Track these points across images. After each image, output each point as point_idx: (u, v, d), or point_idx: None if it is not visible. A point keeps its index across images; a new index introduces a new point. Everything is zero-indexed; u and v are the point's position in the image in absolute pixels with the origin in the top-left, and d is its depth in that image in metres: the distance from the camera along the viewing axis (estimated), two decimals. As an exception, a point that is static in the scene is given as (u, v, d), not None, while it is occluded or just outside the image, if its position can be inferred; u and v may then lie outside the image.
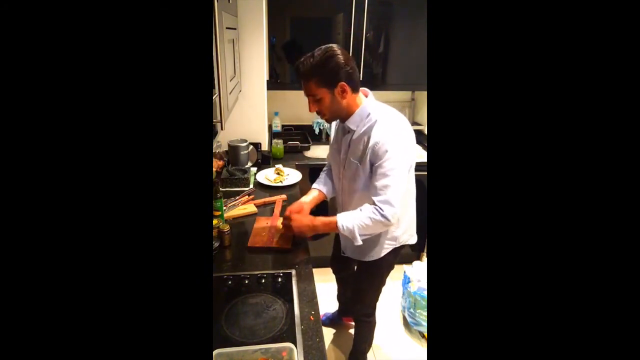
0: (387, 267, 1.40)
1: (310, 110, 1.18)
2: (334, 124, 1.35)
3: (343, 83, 1.11)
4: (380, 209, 1.10)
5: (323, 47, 1.11)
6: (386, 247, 1.32)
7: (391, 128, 1.12)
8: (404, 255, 2.39)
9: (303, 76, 1.12)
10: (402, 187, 1.13)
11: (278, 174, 1.90)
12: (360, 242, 1.15)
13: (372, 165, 1.14)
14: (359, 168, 1.18)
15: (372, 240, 1.29)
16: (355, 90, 1.15)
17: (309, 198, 1.37)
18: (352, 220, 1.14)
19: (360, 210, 1.14)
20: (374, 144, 1.11)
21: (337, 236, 1.58)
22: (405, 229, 1.33)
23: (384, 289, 1.54)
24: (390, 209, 1.10)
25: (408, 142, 1.15)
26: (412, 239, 1.38)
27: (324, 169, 1.50)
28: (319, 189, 1.40)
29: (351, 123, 1.18)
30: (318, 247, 2.05)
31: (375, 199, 1.11)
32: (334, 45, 1.12)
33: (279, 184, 1.83)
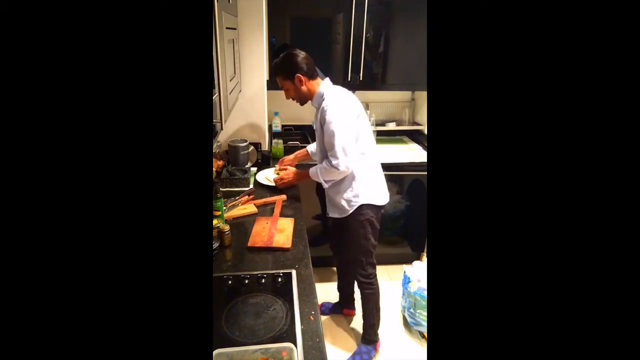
0: (362, 222, 1.61)
1: (286, 98, 1.61)
2: None
3: (299, 75, 1.50)
4: (329, 161, 1.50)
5: (287, 52, 1.50)
6: (348, 207, 1.60)
7: (334, 102, 1.47)
8: (404, 255, 2.42)
9: (273, 74, 1.58)
10: (347, 145, 1.46)
11: (278, 174, 1.89)
12: (326, 185, 1.59)
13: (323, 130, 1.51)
14: (318, 135, 1.57)
15: (334, 201, 1.64)
16: (311, 77, 1.53)
17: (295, 154, 1.95)
18: (316, 169, 1.60)
19: (321, 163, 1.57)
20: (321, 113, 1.49)
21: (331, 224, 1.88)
22: (361, 191, 1.57)
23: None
24: (336, 161, 1.48)
25: (350, 113, 1.50)
26: (380, 199, 1.62)
27: None
28: (307, 148, 1.92)
29: (314, 102, 1.57)
30: (318, 247, 2.05)
31: (328, 154, 1.52)
32: (290, 50, 1.51)
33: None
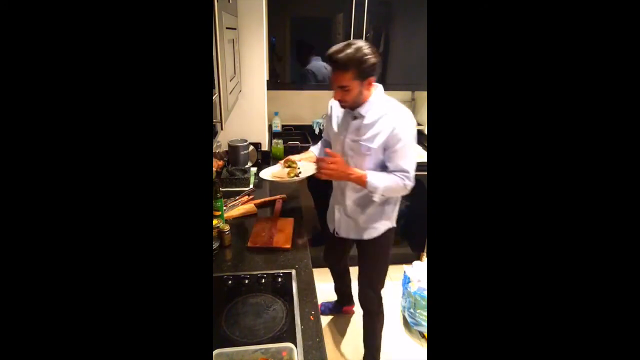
0: (386, 245, 1.51)
1: (335, 98, 1.28)
2: (331, 108, 1.48)
3: (372, 78, 1.24)
4: (403, 179, 1.29)
5: (359, 43, 1.19)
6: (382, 227, 1.46)
7: (405, 117, 1.28)
8: (404, 255, 2.42)
9: (341, 67, 1.18)
10: (415, 166, 1.31)
11: (289, 166, 1.51)
12: (377, 199, 1.35)
13: (385, 148, 1.29)
14: (371, 150, 1.30)
15: (371, 220, 1.45)
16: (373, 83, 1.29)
17: (305, 156, 1.57)
18: (380, 179, 1.29)
19: (388, 174, 1.30)
20: (392, 129, 1.25)
21: (328, 230, 1.66)
22: (393, 214, 1.48)
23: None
24: (409, 183, 1.30)
25: (415, 131, 1.32)
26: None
27: (323, 134, 1.65)
28: (313, 152, 1.60)
29: (363, 110, 1.30)
30: (318, 247, 2.05)
31: (398, 174, 1.30)
32: (364, 42, 1.20)
33: (295, 179, 1.45)
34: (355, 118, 1.33)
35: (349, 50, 1.16)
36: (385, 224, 1.46)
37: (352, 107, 1.31)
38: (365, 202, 1.43)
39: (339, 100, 1.28)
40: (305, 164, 1.52)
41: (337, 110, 1.43)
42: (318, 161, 1.31)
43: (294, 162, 1.51)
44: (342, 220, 1.51)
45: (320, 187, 2.20)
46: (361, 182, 1.30)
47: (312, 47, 2.21)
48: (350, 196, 1.45)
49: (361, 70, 1.18)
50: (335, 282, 1.99)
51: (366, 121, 1.30)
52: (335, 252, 1.79)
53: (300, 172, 1.46)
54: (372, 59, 1.19)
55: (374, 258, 1.53)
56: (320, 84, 2.28)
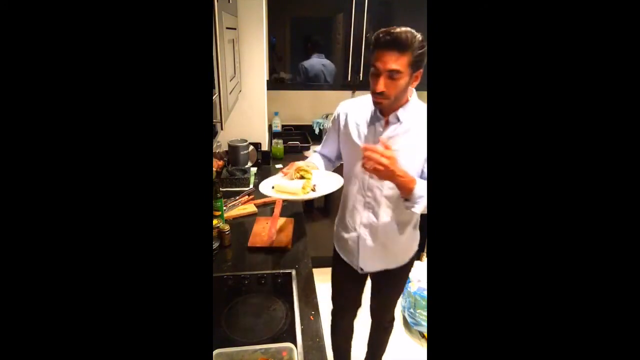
0: (409, 271, 1.37)
1: (377, 89, 1.02)
2: (346, 115, 1.21)
3: (420, 72, 1.04)
4: None
5: (414, 30, 0.99)
6: (412, 254, 1.32)
7: None
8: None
9: (398, 45, 0.96)
10: None
11: (302, 177, 1.15)
12: (419, 212, 1.07)
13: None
14: (416, 159, 1.09)
15: (405, 245, 1.27)
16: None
17: (311, 164, 1.26)
18: (426, 190, 1.02)
19: None
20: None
21: (341, 275, 1.41)
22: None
23: None
24: None
25: None
26: None
27: (318, 150, 1.36)
28: (316, 165, 1.27)
29: (401, 114, 1.09)
30: (318, 247, 2.05)
31: None
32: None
33: (311, 195, 1.12)
34: (387, 124, 1.11)
35: (405, 29, 0.95)
36: (415, 249, 1.30)
37: (387, 109, 1.10)
38: (404, 221, 1.18)
39: (380, 93, 1.01)
40: (318, 175, 1.18)
41: (355, 119, 1.17)
42: (367, 150, 0.97)
43: (308, 171, 1.14)
44: (366, 247, 1.22)
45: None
46: (407, 188, 1.01)
47: (318, 43, 2.21)
48: (386, 213, 1.16)
49: (417, 56, 0.97)
50: (338, 343, 1.61)
51: (403, 127, 1.10)
52: (350, 294, 1.45)
53: (315, 185, 1.14)
54: (426, 47, 0.99)
55: (396, 286, 1.39)
56: (312, 82, 2.28)
